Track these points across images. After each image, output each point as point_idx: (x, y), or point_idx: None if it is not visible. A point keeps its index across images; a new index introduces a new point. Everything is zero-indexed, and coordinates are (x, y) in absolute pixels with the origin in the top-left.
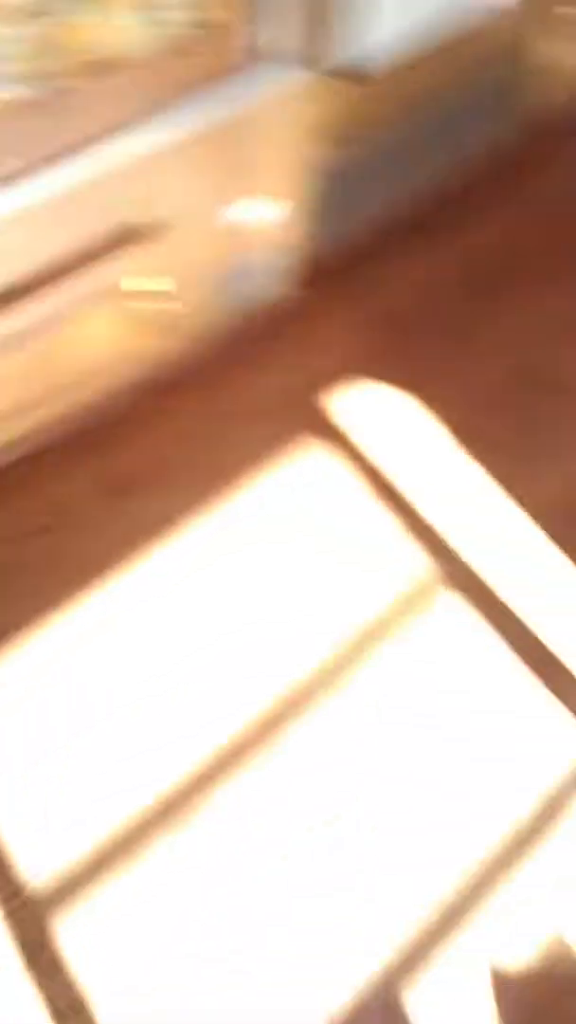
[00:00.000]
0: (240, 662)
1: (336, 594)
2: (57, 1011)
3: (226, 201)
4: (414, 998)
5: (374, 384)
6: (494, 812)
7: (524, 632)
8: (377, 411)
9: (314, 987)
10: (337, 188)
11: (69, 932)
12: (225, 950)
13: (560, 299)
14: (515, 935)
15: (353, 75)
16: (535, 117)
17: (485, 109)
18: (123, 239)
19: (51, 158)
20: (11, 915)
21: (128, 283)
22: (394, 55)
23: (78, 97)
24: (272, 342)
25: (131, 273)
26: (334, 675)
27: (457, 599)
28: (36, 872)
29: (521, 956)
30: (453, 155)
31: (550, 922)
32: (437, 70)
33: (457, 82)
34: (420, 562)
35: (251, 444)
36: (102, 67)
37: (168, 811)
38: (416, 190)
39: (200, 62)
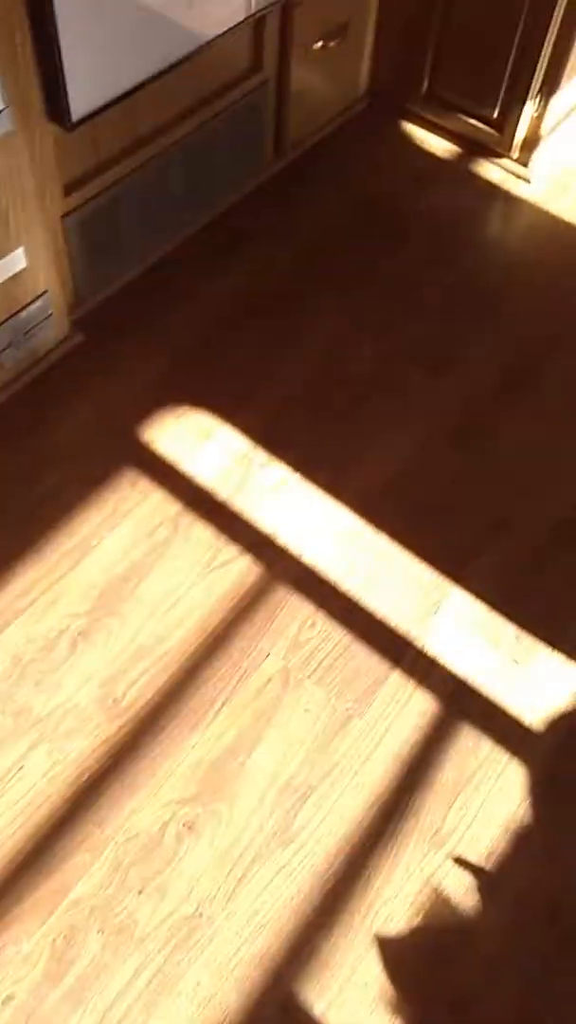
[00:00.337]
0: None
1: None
2: None
3: None
4: (309, 989)
5: (179, 411)
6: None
7: (354, 606)
8: (185, 436)
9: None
10: (97, 232)
11: None
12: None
13: (343, 308)
14: (391, 900)
15: (66, 120)
16: (295, 143)
17: (241, 139)
18: None
19: None
20: None
21: None
22: (107, 98)
23: None
24: (70, 387)
25: None
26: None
27: (292, 591)
28: None
29: (402, 919)
30: (213, 187)
31: (422, 879)
32: (173, 106)
33: (201, 115)
34: (254, 563)
35: (65, 485)
36: None
37: None
38: (184, 223)
39: None
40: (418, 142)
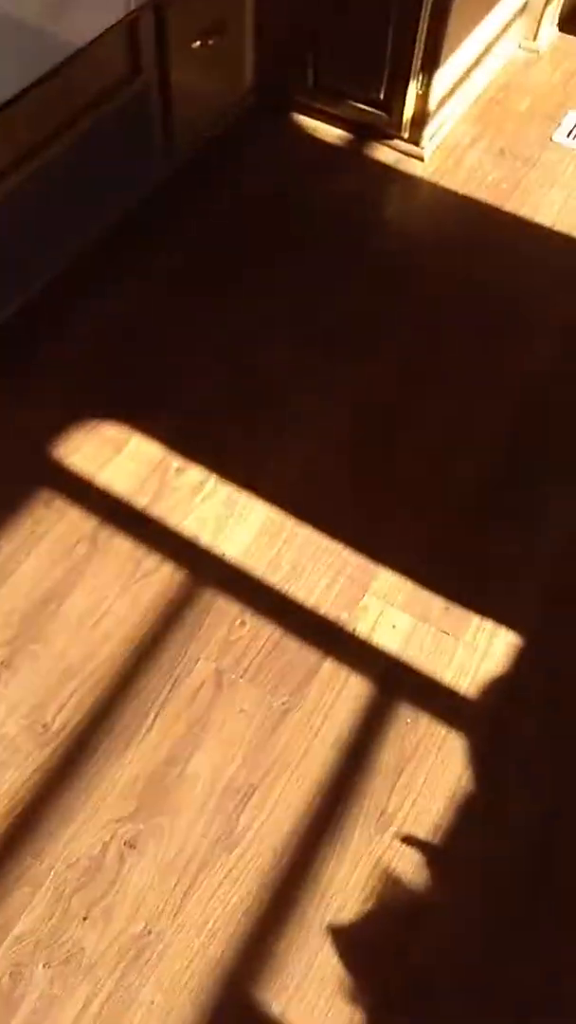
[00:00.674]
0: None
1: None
2: None
3: None
4: (266, 990)
5: (88, 425)
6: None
7: (281, 600)
8: (97, 449)
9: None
10: None
11: None
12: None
13: (249, 307)
14: (342, 889)
15: None
16: (186, 145)
17: (129, 145)
18: None
19: None
20: None
21: None
22: None
23: None
24: None
25: None
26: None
27: (219, 592)
28: None
29: (354, 907)
30: (104, 197)
31: (371, 863)
32: (53, 118)
33: (83, 124)
34: (178, 569)
35: None
36: None
37: None
38: (77, 236)
39: None
40: (310, 132)
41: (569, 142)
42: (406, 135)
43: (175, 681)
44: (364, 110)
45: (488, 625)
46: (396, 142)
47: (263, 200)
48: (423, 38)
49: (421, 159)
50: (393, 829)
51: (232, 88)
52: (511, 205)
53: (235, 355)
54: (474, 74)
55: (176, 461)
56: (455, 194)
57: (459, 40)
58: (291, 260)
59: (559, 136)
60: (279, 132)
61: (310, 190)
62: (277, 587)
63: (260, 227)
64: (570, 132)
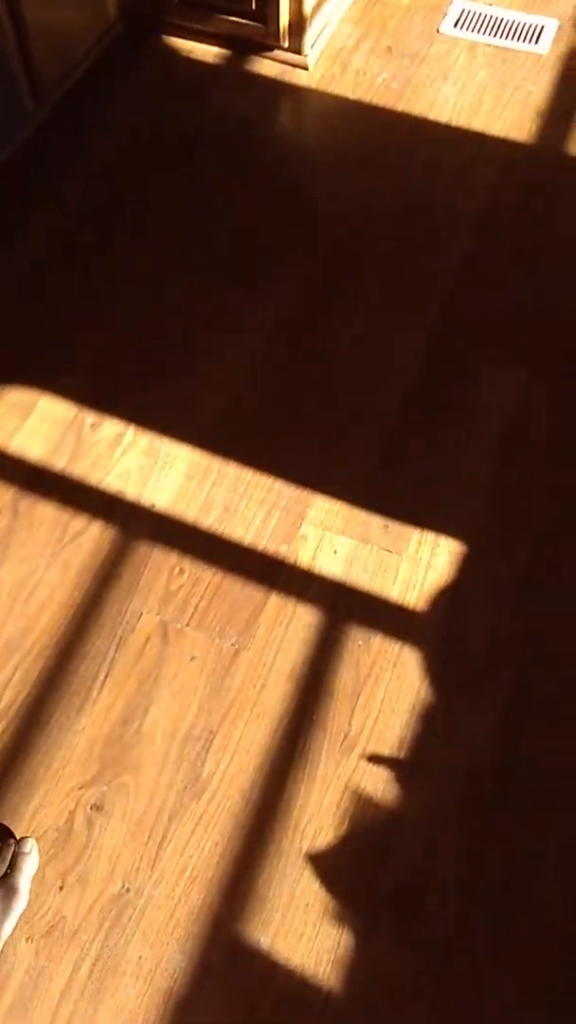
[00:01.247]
0: None
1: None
2: None
3: None
4: (252, 927)
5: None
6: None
7: (218, 542)
8: (5, 415)
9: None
10: None
11: None
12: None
13: (142, 247)
14: (315, 816)
15: None
16: (54, 86)
17: None
18: None
19: None
20: None
21: None
22: None
23: None
24: None
25: None
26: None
27: (153, 544)
28: None
29: (329, 831)
30: None
31: (341, 787)
32: None
33: None
34: (107, 527)
35: None
36: None
37: None
38: None
39: None
40: (186, 54)
41: (457, 32)
42: (286, 44)
43: (120, 640)
44: (238, 23)
45: (429, 536)
46: (276, 53)
47: (142, 133)
48: None
49: (305, 68)
50: (358, 750)
51: (96, 17)
52: (404, 105)
53: (136, 301)
54: None
55: (90, 417)
56: (345, 100)
57: None
58: (180, 193)
59: (446, 27)
60: (153, 58)
61: (193, 116)
62: (212, 530)
63: (145, 162)
64: (456, 21)
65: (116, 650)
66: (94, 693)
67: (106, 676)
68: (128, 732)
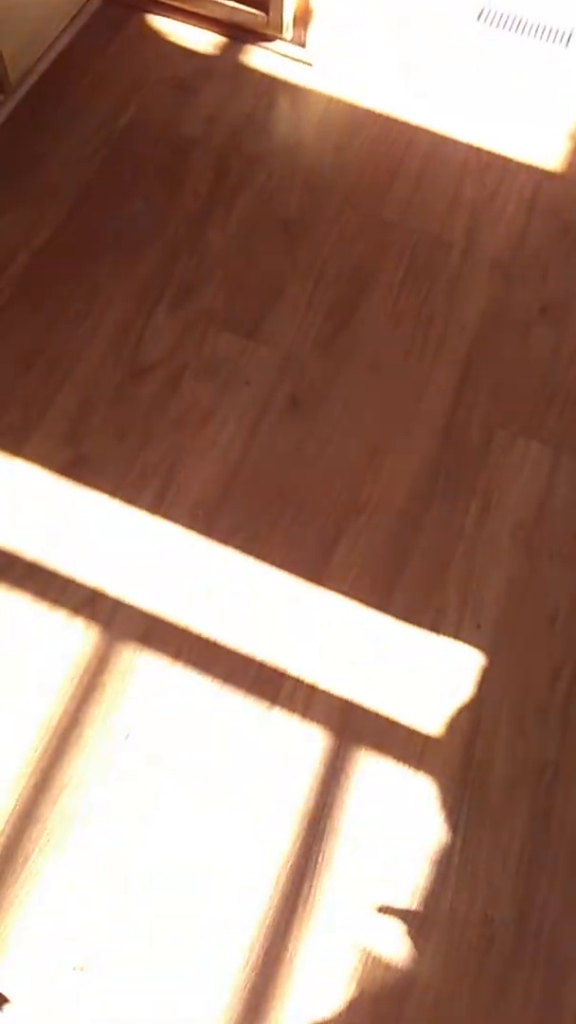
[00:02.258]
0: None
1: None
2: None
3: None
4: None
5: None
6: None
7: (213, 647)
8: None
9: None
10: None
11: None
12: None
13: (122, 277)
14: (328, 972)
15: None
16: (24, 73)
17: None
18: None
19: None
20: None
21: None
22: None
23: None
24: None
25: None
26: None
27: (140, 647)
28: None
29: (338, 988)
30: None
31: (349, 944)
32: None
33: None
34: (89, 625)
35: None
36: None
37: None
38: None
39: None
40: (173, 40)
41: (484, 35)
42: (288, 36)
43: (105, 766)
44: (234, 7)
45: (443, 643)
46: (278, 44)
47: (125, 134)
48: None
49: (309, 64)
50: (369, 899)
51: None
52: (421, 117)
53: (116, 346)
54: None
55: (66, 490)
56: (353, 108)
57: None
58: (165, 211)
59: (472, 30)
60: (135, 42)
61: (180, 115)
62: (205, 634)
63: (126, 171)
64: (483, 22)
65: (98, 783)
66: (76, 829)
67: (91, 808)
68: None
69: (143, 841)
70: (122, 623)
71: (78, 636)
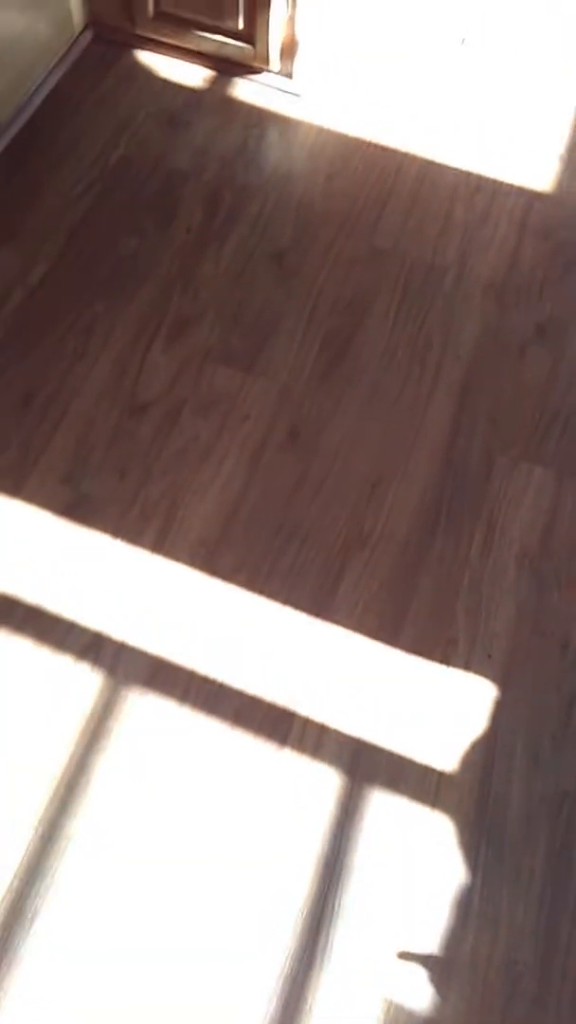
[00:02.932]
0: None
1: None
2: None
3: None
4: None
5: None
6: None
7: (220, 689)
8: None
9: None
10: None
11: None
12: None
13: (117, 314)
14: (349, 1022)
15: None
16: (15, 110)
17: None
18: None
19: None
20: None
21: None
22: None
23: None
24: None
25: None
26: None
27: (145, 689)
28: None
29: None
30: None
31: (374, 991)
32: None
33: None
34: (93, 669)
35: None
36: None
37: None
38: None
39: None
40: (162, 75)
41: (470, 63)
42: (276, 68)
43: (107, 825)
44: (222, 42)
45: (454, 676)
46: (266, 77)
47: (117, 171)
48: None
49: (297, 95)
50: (392, 946)
51: (60, 29)
52: (410, 144)
53: (113, 383)
54: None
55: (66, 531)
56: (342, 138)
57: None
58: (158, 246)
59: (459, 58)
60: (125, 78)
61: (170, 150)
62: (212, 675)
63: (117, 207)
64: (468, 50)
65: (107, 831)
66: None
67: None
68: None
69: (153, 889)
70: (127, 666)
71: (82, 682)
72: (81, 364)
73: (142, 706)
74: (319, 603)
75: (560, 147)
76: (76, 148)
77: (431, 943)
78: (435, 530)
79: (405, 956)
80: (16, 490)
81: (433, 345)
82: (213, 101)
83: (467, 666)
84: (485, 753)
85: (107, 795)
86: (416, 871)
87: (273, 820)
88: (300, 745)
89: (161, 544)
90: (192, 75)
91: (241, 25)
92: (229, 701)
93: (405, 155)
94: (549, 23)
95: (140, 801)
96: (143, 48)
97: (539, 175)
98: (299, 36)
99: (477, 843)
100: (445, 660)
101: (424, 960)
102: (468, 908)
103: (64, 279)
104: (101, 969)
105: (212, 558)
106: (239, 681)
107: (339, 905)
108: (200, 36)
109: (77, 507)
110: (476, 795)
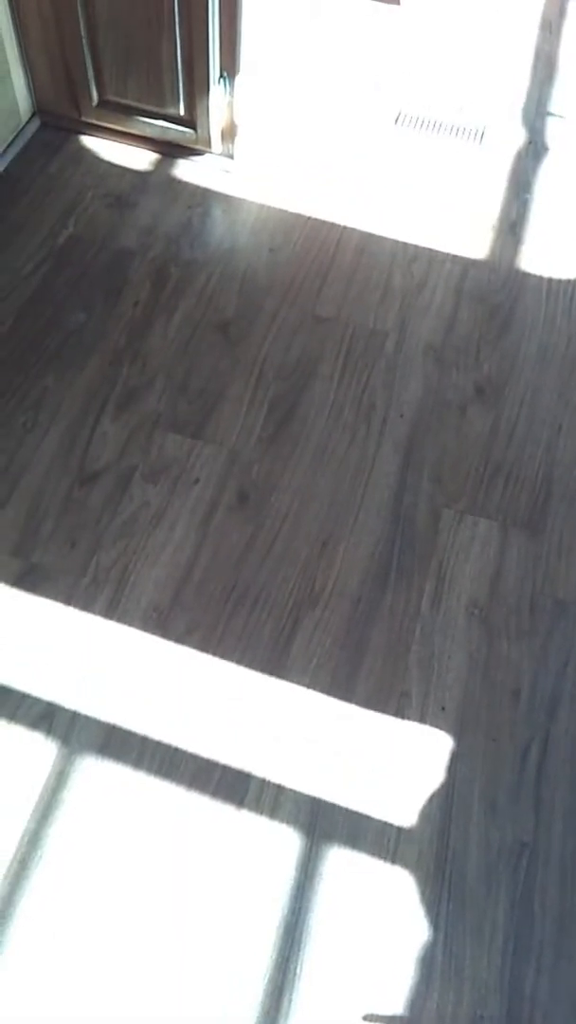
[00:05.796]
0: None
1: None
2: None
3: None
4: None
5: None
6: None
7: (175, 754)
8: None
9: None
10: None
11: None
12: None
13: (65, 390)
14: None
15: None
16: None
17: None
18: None
19: None
20: None
21: None
22: None
23: None
24: None
25: None
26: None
27: (99, 757)
28: None
29: None
30: None
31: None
32: None
33: None
34: (47, 740)
35: None
36: None
37: None
38: None
39: None
40: (108, 159)
41: (400, 137)
42: (217, 150)
43: (68, 900)
44: (164, 127)
45: (408, 728)
46: (208, 158)
47: (64, 252)
48: (217, 39)
49: (237, 174)
50: (357, 1009)
51: (6, 119)
52: (348, 218)
53: (62, 454)
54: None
55: (16, 601)
56: (282, 214)
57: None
58: (105, 323)
59: (390, 132)
60: (71, 163)
61: (117, 230)
62: (166, 740)
63: (65, 287)
64: (398, 126)
65: (62, 902)
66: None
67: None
68: None
69: (111, 960)
70: (80, 735)
71: (35, 752)
72: (31, 436)
73: (96, 774)
74: (273, 662)
75: (493, 216)
76: (25, 228)
77: (396, 1002)
78: (385, 584)
79: (370, 1018)
80: None
81: (377, 406)
82: (158, 182)
83: (421, 718)
84: (443, 805)
85: (62, 868)
86: (378, 929)
87: (232, 884)
88: (257, 806)
89: (113, 610)
90: (137, 158)
91: (182, 111)
92: (184, 765)
93: (344, 228)
94: (475, 97)
95: (95, 872)
96: (89, 134)
97: (473, 243)
98: (238, 118)
99: (438, 898)
100: (399, 713)
101: (389, 1021)
102: (432, 964)
103: (13, 355)
104: None
105: (165, 622)
106: (194, 744)
107: (301, 968)
108: (143, 122)
109: (27, 577)
110: (435, 849)
